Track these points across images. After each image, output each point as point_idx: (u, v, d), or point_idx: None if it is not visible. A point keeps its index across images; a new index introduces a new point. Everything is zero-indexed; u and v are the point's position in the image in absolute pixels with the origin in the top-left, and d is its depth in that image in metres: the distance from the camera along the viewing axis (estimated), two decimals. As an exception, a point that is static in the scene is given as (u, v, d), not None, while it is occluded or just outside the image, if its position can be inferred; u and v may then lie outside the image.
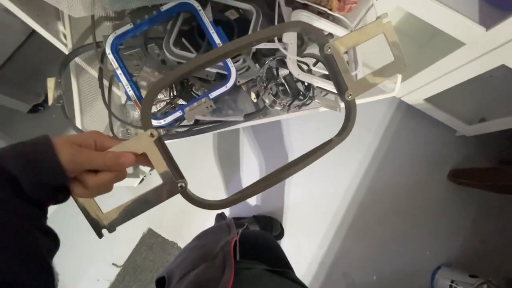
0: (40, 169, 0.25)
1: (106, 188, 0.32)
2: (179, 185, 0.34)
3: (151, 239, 1.10)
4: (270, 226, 1.11)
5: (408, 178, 1.25)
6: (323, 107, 0.71)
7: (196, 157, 1.20)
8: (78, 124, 0.65)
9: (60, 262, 1.08)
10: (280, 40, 0.70)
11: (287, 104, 0.70)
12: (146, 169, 1.08)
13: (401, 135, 1.28)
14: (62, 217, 1.08)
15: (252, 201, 1.19)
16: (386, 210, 1.21)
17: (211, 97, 0.66)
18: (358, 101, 0.77)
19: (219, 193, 1.19)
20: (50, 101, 0.59)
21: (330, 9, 0.82)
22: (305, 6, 0.80)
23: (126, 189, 1.11)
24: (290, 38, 0.71)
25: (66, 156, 0.26)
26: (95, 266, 1.06)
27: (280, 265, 0.52)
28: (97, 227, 0.32)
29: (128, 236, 1.13)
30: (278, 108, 0.72)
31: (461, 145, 1.28)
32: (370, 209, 1.21)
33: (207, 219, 1.16)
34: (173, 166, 0.36)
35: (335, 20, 0.83)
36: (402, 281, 1.16)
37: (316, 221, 1.18)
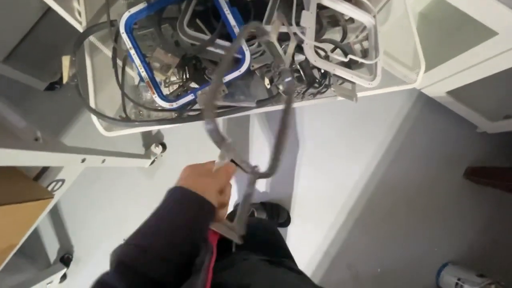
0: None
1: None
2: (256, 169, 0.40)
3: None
4: (277, 213, 1.12)
5: (422, 173, 1.21)
6: (339, 96, 0.69)
7: (206, 141, 1.20)
8: (91, 103, 0.65)
9: (75, 236, 1.14)
10: (298, 24, 0.67)
11: (302, 92, 0.68)
12: (157, 150, 1.10)
13: (418, 128, 1.23)
14: (78, 197, 1.13)
15: (261, 187, 1.19)
16: (396, 204, 1.19)
17: (224, 81, 0.64)
18: (376, 91, 0.74)
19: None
20: (64, 79, 0.59)
21: (353, -8, 0.78)
22: (326, -12, 0.76)
23: (138, 170, 1.13)
24: (308, 21, 0.67)
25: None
26: (108, 242, 1.11)
27: (278, 254, 0.52)
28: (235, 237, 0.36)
29: (140, 215, 1.16)
30: (293, 96, 0.69)
31: (481, 142, 1.23)
32: (380, 202, 1.19)
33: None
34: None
35: (357, 3, 0.78)
36: (406, 275, 1.16)
37: (324, 211, 1.18)
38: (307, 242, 1.17)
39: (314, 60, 0.65)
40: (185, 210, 0.32)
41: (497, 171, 1.15)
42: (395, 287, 1.15)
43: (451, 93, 1.08)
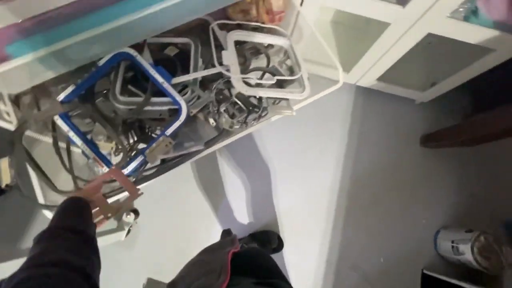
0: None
1: None
2: None
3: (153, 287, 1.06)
4: (268, 240, 1.11)
5: (386, 156, 1.29)
6: (277, 114, 0.74)
7: (180, 193, 1.18)
8: (40, 197, 0.63)
9: None
10: (221, 64, 0.73)
11: (243, 121, 0.72)
12: (130, 219, 1.05)
13: (367, 117, 1.33)
14: None
15: (245, 219, 1.18)
16: (374, 192, 1.24)
17: (167, 134, 0.67)
18: (311, 99, 0.80)
19: (212, 221, 1.17)
20: (4, 183, 0.58)
21: (263, 23, 0.87)
22: (238, 26, 0.85)
23: (115, 245, 1.07)
24: (230, 59, 0.74)
25: None
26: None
27: (270, 276, 0.52)
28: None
29: (128, 293, 1.08)
30: (237, 127, 0.73)
31: (424, 111, 1.35)
32: (359, 196, 1.23)
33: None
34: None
35: (271, 31, 0.88)
36: (408, 254, 1.17)
37: (311, 222, 1.19)
38: (306, 257, 1.15)
39: (245, 90, 0.70)
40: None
41: (446, 131, 1.26)
42: (401, 270, 1.16)
43: (380, 78, 1.20)
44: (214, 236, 1.15)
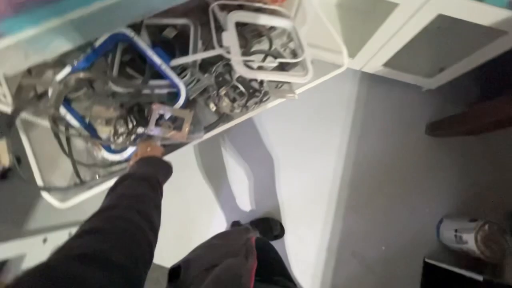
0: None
1: None
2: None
3: (154, 274, 1.07)
4: (269, 227, 1.11)
5: (390, 144, 1.27)
6: (279, 98, 0.72)
7: (182, 179, 1.18)
8: (38, 180, 0.63)
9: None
10: (221, 46, 0.71)
11: (243, 105, 0.70)
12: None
13: (372, 104, 1.30)
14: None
15: (247, 206, 1.18)
16: (377, 180, 1.22)
17: (166, 118, 0.65)
18: (315, 83, 0.78)
19: (212, 208, 1.17)
20: (6, 165, 0.57)
21: (265, 4, 0.84)
22: (240, 7, 0.81)
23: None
24: (230, 40, 0.71)
25: None
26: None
27: (273, 272, 0.53)
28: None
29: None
30: (238, 111, 0.72)
31: (430, 99, 1.31)
32: (361, 183, 1.22)
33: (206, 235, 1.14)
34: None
35: (273, 12, 0.84)
36: (410, 242, 1.17)
37: (313, 209, 1.18)
38: (306, 244, 1.15)
39: (246, 73, 0.68)
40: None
41: (452, 119, 1.23)
42: (403, 258, 1.16)
43: (386, 64, 1.16)
44: (214, 222, 1.16)
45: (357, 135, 1.26)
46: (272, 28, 0.88)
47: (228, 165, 1.21)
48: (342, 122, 1.27)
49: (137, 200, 0.39)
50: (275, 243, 1.13)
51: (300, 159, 1.22)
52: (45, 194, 0.60)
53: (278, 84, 0.79)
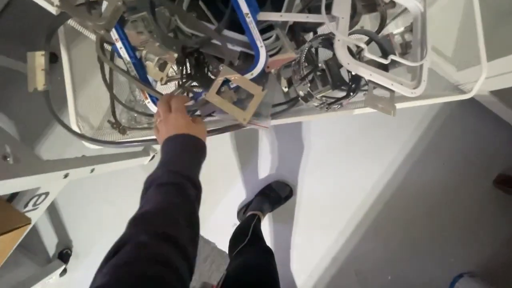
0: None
1: None
2: None
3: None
4: (277, 193, 1.04)
5: (448, 178, 1.10)
6: (372, 108, 0.56)
7: (210, 139, 1.09)
8: (71, 111, 0.54)
9: (73, 231, 1.10)
10: (328, 12, 0.52)
11: (326, 102, 0.55)
12: (157, 147, 1.00)
13: (449, 126, 1.09)
14: (75, 191, 1.07)
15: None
16: (415, 211, 1.10)
17: (231, 86, 0.52)
18: (423, 101, 0.61)
19: (232, 178, 1.10)
20: (30, 87, 0.48)
21: (399, -33, 0.61)
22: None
23: (139, 167, 1.05)
24: (343, 9, 0.53)
25: None
26: (107, 237, 1.07)
27: None
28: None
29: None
30: (314, 104, 0.57)
31: (519, 148, 1.09)
32: (397, 208, 1.10)
33: (218, 205, 1.10)
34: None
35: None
36: (418, 285, 1.10)
37: (335, 215, 1.10)
38: (313, 246, 1.10)
39: (347, 62, 0.51)
40: (191, 148, 0.45)
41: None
42: (405, 295, 1.10)
43: (495, 92, 0.93)
44: (229, 193, 1.10)
45: (415, 158, 1.10)
46: (390, 3, 0.67)
47: (262, 141, 1.10)
48: (406, 138, 1.09)
49: (172, 228, 0.32)
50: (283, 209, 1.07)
51: (344, 159, 1.09)
52: (75, 127, 0.52)
53: (368, 85, 0.62)
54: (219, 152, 1.10)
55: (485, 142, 1.10)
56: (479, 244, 1.10)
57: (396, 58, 0.54)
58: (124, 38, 0.52)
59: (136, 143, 0.55)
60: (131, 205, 1.08)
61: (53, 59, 1.11)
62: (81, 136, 0.53)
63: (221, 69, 0.50)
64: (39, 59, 0.48)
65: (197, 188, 0.40)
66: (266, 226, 1.10)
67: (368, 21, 0.82)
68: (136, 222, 0.31)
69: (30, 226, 0.52)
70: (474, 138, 1.10)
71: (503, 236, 1.10)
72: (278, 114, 0.58)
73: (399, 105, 0.58)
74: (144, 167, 1.02)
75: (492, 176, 1.11)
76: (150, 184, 0.37)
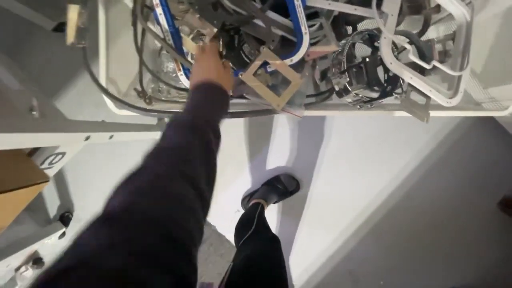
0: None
1: None
2: None
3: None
4: (284, 186, 1.04)
5: (454, 194, 1.10)
6: (407, 112, 0.55)
7: (225, 124, 1.07)
8: (102, 72, 0.52)
9: (77, 196, 1.09)
10: (378, 6, 0.51)
11: (361, 99, 0.54)
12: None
13: (463, 144, 1.09)
14: (84, 157, 1.06)
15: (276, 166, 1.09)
16: (417, 223, 1.11)
17: (268, 70, 0.51)
18: (455, 113, 0.60)
19: (241, 166, 1.10)
20: (69, 39, 0.46)
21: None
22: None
23: (151, 143, 1.04)
24: (393, 6, 0.51)
25: None
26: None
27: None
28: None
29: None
30: (348, 100, 0.56)
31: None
32: (401, 217, 1.10)
33: (224, 190, 1.10)
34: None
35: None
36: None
37: (339, 215, 1.10)
38: (314, 242, 1.11)
39: (390, 62, 0.50)
40: (216, 97, 0.43)
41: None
42: (394, 302, 1.12)
43: (518, 115, 0.91)
44: (236, 179, 1.10)
45: (426, 169, 1.09)
46: (435, 8, 0.65)
47: (277, 132, 1.08)
48: (419, 148, 1.09)
49: (190, 170, 0.31)
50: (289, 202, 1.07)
51: (357, 161, 1.09)
52: (105, 95, 0.50)
53: (404, 88, 0.61)
54: (232, 137, 1.09)
55: (496, 163, 1.09)
56: (477, 262, 1.12)
57: (439, 64, 0.53)
58: (165, 5, 0.50)
59: (165, 113, 0.54)
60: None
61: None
62: (115, 98, 0.51)
63: (262, 50, 0.48)
64: (73, 12, 0.46)
65: (217, 137, 0.40)
66: (270, 216, 1.10)
67: (402, 24, 0.81)
68: (152, 156, 0.31)
69: (46, 184, 0.51)
70: (486, 158, 1.10)
71: (501, 256, 1.11)
72: (310, 105, 0.57)
73: (435, 113, 0.57)
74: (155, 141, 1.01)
75: (497, 198, 1.11)
76: (170, 125, 0.37)
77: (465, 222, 1.11)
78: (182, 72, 0.52)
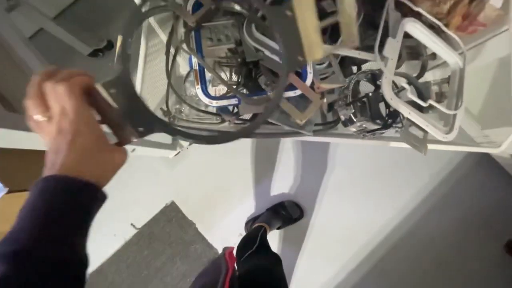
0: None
1: None
2: None
3: (171, 213, 1.09)
4: (288, 212, 1.05)
5: (458, 234, 1.09)
6: (405, 143, 0.59)
7: (236, 147, 1.13)
8: (137, 90, 0.60)
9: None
10: (380, 51, 0.58)
11: (365, 129, 0.59)
12: (185, 143, 1.05)
13: (465, 184, 1.11)
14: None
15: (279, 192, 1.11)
16: (421, 260, 1.08)
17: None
18: (451, 147, 0.64)
19: (248, 188, 1.13)
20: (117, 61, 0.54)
21: (446, 25, 0.67)
22: (417, 15, 0.66)
23: (161, 159, 1.09)
24: (392, 51, 0.59)
25: None
26: (115, 222, 1.09)
27: None
28: None
29: (151, 201, 1.13)
30: (353, 130, 0.61)
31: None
32: (403, 254, 1.08)
33: (228, 213, 1.12)
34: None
35: (447, 38, 0.68)
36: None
37: (339, 248, 1.09)
38: (316, 276, 1.09)
39: (390, 98, 0.56)
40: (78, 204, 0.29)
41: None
42: None
43: (517, 157, 0.95)
44: (241, 204, 1.12)
45: (429, 206, 1.10)
46: (432, 55, 0.73)
47: (282, 159, 1.13)
48: (423, 184, 1.11)
49: None
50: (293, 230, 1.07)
51: (362, 193, 1.11)
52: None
53: (404, 122, 0.66)
54: (238, 162, 1.14)
55: (501, 204, 1.10)
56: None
57: (434, 103, 0.59)
58: (198, 36, 0.59)
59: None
60: (143, 196, 1.11)
61: (109, 46, 1.20)
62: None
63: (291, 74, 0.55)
64: (119, 42, 0.55)
65: (81, 266, 0.26)
66: (271, 242, 1.09)
67: (403, 67, 0.89)
68: None
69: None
70: (490, 199, 1.11)
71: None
72: (318, 132, 0.62)
73: (432, 146, 0.61)
74: (166, 160, 1.07)
75: (503, 240, 1.09)
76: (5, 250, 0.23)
77: (469, 263, 1.08)
78: (199, 86, 0.59)
